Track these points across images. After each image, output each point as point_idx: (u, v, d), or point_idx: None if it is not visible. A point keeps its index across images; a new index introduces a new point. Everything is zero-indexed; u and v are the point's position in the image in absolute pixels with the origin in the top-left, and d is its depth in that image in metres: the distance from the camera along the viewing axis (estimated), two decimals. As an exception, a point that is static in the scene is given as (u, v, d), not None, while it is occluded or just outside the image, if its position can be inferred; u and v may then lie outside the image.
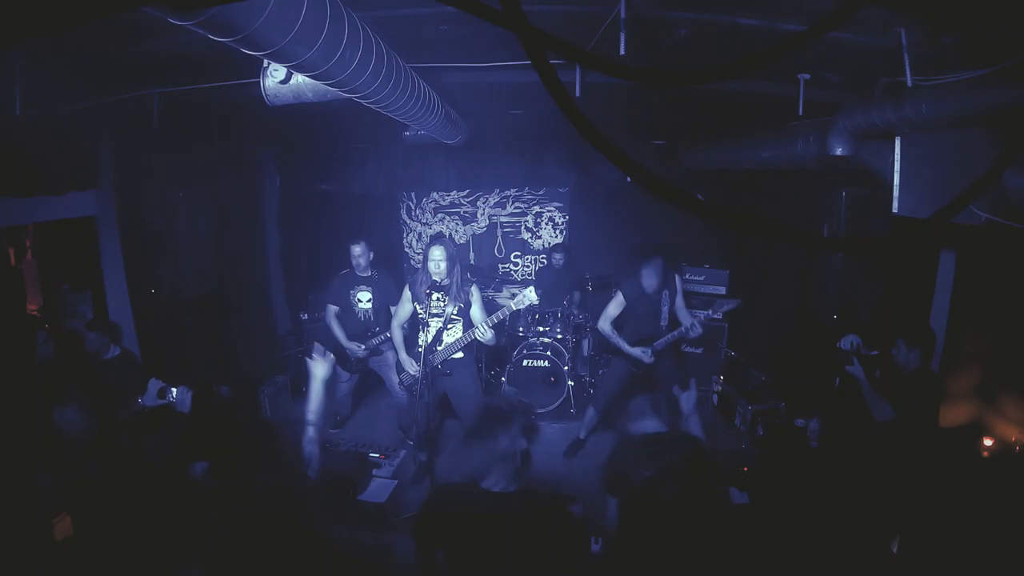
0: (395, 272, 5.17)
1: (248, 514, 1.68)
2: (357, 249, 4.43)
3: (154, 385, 2.86)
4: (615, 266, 5.75)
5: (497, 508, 1.87)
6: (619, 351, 4.16)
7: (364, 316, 4.54)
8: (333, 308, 4.53)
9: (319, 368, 2.48)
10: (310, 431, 2.29)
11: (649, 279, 4.01)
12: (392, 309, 4.44)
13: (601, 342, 5.24)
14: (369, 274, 4.52)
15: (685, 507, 1.84)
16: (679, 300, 4.18)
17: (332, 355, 2.60)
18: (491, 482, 1.92)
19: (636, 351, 4.03)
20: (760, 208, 5.58)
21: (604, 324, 4.13)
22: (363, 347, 4.47)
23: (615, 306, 4.11)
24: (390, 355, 4.56)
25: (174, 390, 2.85)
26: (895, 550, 2.73)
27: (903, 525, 2.86)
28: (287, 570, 1.66)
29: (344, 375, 4.75)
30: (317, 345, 2.69)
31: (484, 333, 3.67)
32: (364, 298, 4.52)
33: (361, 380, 4.96)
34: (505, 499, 1.89)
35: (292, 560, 1.70)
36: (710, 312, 4.08)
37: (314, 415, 2.35)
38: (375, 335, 4.47)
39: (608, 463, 1.84)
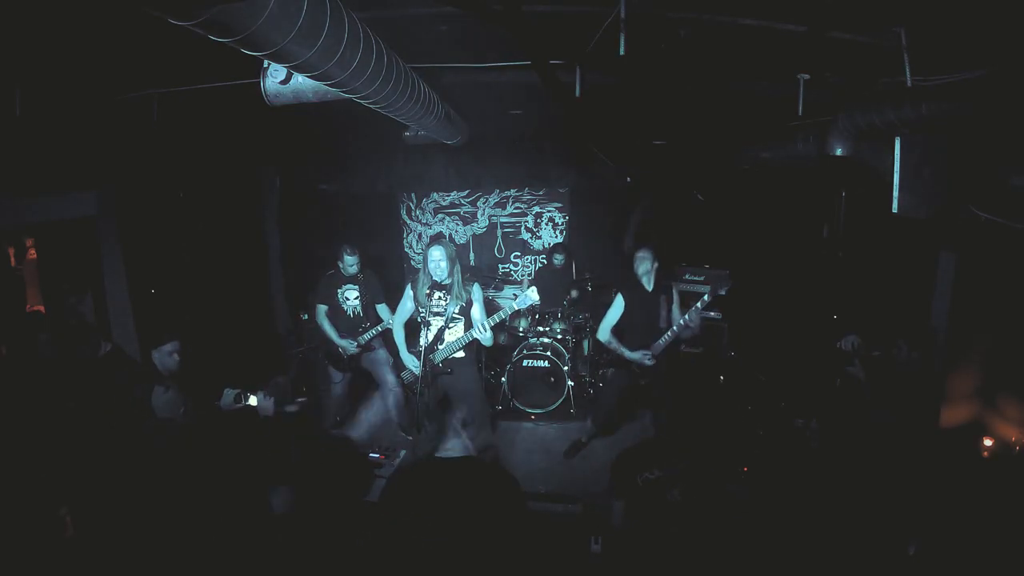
0: (393, 270, 5.18)
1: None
2: (351, 259, 4.48)
3: (229, 393, 2.88)
4: (615, 266, 5.75)
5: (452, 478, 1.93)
6: (620, 359, 4.16)
7: (353, 312, 4.59)
8: (322, 307, 4.57)
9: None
10: None
11: (645, 273, 4.01)
12: (378, 307, 4.50)
13: (601, 349, 5.23)
14: (355, 274, 4.56)
15: (689, 508, 1.87)
16: (675, 306, 4.19)
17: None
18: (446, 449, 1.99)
19: (636, 355, 4.04)
20: (760, 208, 5.59)
21: (604, 334, 4.13)
22: (355, 343, 4.49)
23: (615, 311, 4.11)
24: (382, 352, 4.59)
25: (252, 396, 2.86)
26: (912, 552, 2.72)
27: (903, 526, 2.86)
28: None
29: (337, 375, 4.77)
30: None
31: (483, 333, 3.67)
32: (352, 296, 4.59)
33: (358, 380, 4.97)
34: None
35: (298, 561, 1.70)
36: (705, 299, 4.04)
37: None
38: (366, 330, 4.51)
39: (615, 465, 1.89)
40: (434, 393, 3.85)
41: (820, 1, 1.97)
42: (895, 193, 2.57)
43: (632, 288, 4.09)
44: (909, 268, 4.05)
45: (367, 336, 4.51)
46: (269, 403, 2.84)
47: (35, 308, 4.58)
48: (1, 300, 4.38)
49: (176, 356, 3.16)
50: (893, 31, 2.12)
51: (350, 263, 4.48)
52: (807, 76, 2.83)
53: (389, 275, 5.38)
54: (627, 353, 4.06)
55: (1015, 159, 2.39)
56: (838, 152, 2.82)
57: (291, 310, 6.30)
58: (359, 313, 4.59)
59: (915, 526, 2.84)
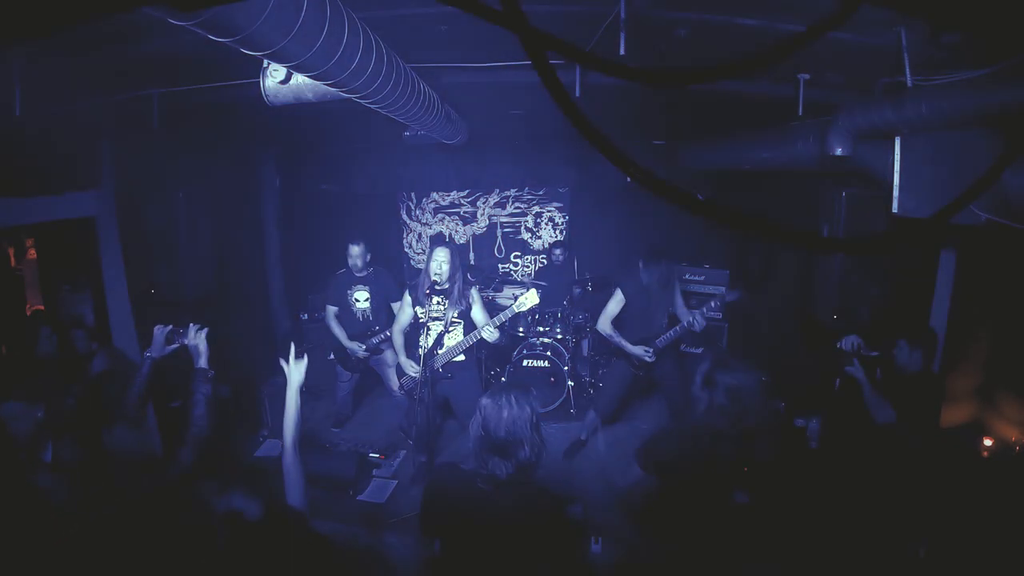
0: (393, 270, 5.17)
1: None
2: (356, 249, 4.44)
3: (160, 332, 2.48)
4: (615, 266, 5.75)
5: (492, 495, 1.86)
6: (620, 352, 4.15)
7: (363, 316, 4.55)
8: (332, 308, 4.53)
9: (296, 373, 2.22)
10: (287, 448, 2.04)
11: (650, 276, 4.02)
12: (393, 306, 4.48)
13: (601, 343, 5.23)
14: (365, 273, 4.53)
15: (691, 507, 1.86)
16: (678, 300, 4.18)
17: (306, 357, 2.34)
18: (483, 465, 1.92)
19: (638, 350, 4.02)
20: (760, 208, 5.58)
21: (604, 325, 4.12)
22: (363, 347, 4.47)
23: (615, 304, 4.10)
24: (389, 354, 4.57)
25: (189, 332, 2.44)
26: (921, 554, 2.71)
27: (904, 526, 2.86)
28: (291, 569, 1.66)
29: (345, 375, 4.76)
30: (292, 346, 2.36)
31: (491, 333, 3.67)
32: (362, 297, 4.53)
33: (361, 380, 4.96)
34: (500, 486, 1.86)
35: (295, 559, 1.70)
36: (713, 304, 4.05)
37: (290, 430, 2.09)
38: (375, 334, 4.48)
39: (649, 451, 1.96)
40: (435, 398, 3.85)
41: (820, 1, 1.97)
42: (895, 193, 2.57)
43: (632, 281, 4.08)
44: (909, 268, 4.04)
45: (375, 340, 4.49)
46: (202, 337, 2.42)
47: (35, 308, 4.59)
48: (1, 300, 4.38)
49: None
50: (893, 31, 2.12)
51: (355, 253, 4.43)
52: (807, 76, 2.83)
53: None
54: (628, 347, 4.05)
55: (1015, 159, 2.39)
56: (838, 152, 2.82)
57: (291, 310, 6.30)
58: (368, 316, 4.54)
59: (915, 526, 2.84)
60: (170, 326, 2.51)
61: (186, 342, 2.45)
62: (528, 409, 1.86)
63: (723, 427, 2.06)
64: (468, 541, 1.89)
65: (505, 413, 1.82)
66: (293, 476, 2.01)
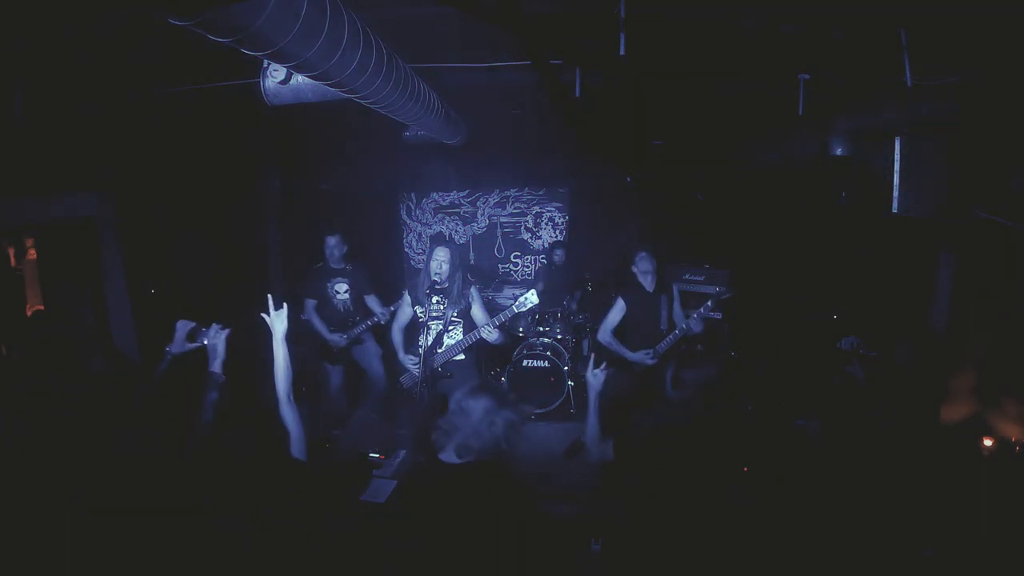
0: (389, 271, 5.19)
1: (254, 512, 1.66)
2: (332, 240, 4.48)
3: (183, 327, 2.44)
4: (615, 266, 5.75)
5: (458, 484, 1.90)
6: (621, 362, 4.15)
7: (343, 307, 4.59)
8: (311, 302, 4.57)
9: (278, 323, 2.25)
10: (282, 400, 2.11)
11: (645, 273, 4.02)
12: (367, 299, 4.53)
13: (600, 350, 5.20)
14: (344, 266, 4.56)
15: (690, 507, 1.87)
16: (676, 305, 4.19)
17: (286, 305, 2.34)
18: (448, 455, 1.96)
19: (638, 356, 4.03)
20: (759, 208, 5.58)
21: (604, 335, 4.12)
22: (345, 337, 4.50)
23: (616, 313, 4.10)
24: (371, 345, 4.60)
25: (211, 331, 2.41)
26: (928, 556, 2.72)
27: (903, 526, 2.86)
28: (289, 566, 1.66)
29: (330, 368, 4.78)
30: (270, 298, 2.35)
31: (491, 333, 3.67)
32: (342, 289, 4.58)
33: (357, 379, 4.97)
34: (464, 475, 1.93)
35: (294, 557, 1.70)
36: (709, 304, 4.05)
37: (282, 382, 2.15)
38: (355, 324, 4.51)
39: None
40: (434, 397, 3.84)
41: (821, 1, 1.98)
42: (895, 193, 2.57)
43: (632, 290, 4.09)
44: (909, 268, 4.05)
45: (356, 331, 4.52)
46: (221, 338, 2.40)
47: (35, 308, 4.59)
48: (1, 300, 4.38)
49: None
50: (893, 31, 2.12)
51: (332, 244, 4.47)
52: (807, 76, 2.83)
53: (389, 275, 5.38)
54: (628, 354, 4.05)
55: (1016, 159, 2.39)
56: (838, 152, 2.82)
57: (291, 311, 6.29)
58: (349, 307, 4.59)
59: (915, 526, 2.84)
60: (193, 323, 2.46)
61: (206, 342, 2.41)
62: (492, 408, 1.95)
63: (693, 419, 2.11)
64: (444, 533, 1.91)
65: (473, 412, 1.87)
66: (292, 428, 2.05)
